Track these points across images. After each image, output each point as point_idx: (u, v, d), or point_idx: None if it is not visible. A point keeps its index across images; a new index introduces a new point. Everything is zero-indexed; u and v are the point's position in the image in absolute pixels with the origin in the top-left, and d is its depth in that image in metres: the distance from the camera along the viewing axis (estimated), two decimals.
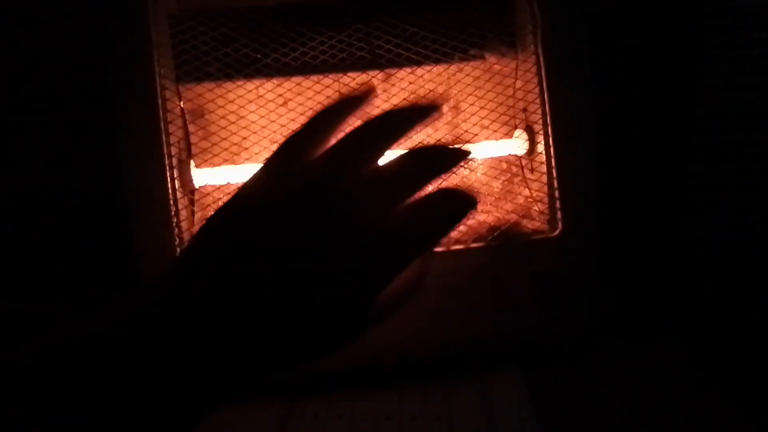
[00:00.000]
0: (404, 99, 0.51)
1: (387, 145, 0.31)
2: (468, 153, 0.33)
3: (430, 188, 0.31)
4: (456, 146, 0.33)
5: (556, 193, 0.48)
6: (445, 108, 0.36)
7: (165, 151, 0.44)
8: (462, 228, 0.49)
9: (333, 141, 0.32)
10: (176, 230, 0.44)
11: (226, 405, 0.27)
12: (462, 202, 0.31)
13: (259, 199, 0.29)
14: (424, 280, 0.33)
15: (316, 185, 0.28)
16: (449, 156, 0.32)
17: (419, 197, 0.30)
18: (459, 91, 0.52)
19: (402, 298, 0.32)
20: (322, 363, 0.47)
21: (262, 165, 0.30)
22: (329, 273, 0.27)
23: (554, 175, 0.48)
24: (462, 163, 0.33)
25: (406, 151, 0.31)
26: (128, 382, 0.24)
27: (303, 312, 0.27)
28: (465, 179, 0.50)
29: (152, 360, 0.25)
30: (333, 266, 0.27)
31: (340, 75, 0.50)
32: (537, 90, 0.49)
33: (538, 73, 0.49)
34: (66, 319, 0.26)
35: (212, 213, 0.29)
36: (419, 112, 0.33)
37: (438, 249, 0.46)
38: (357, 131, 0.31)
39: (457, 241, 0.47)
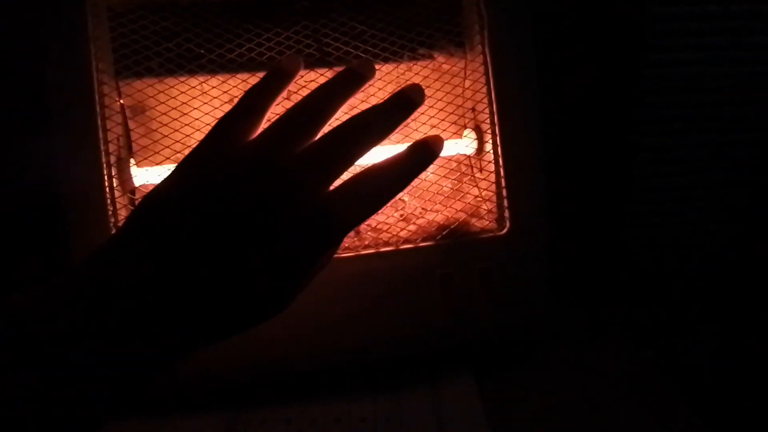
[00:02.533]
0: (353, 97, 0.50)
1: (319, 123, 0.31)
2: (412, 105, 0.34)
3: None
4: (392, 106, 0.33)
5: (504, 192, 0.48)
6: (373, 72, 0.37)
7: (102, 148, 0.43)
8: (411, 227, 0.49)
9: (264, 122, 0.32)
10: (113, 231, 0.42)
11: (162, 380, 0.27)
12: (391, 179, 0.31)
13: (188, 182, 0.29)
14: (332, 256, 0.34)
15: (246, 169, 0.29)
16: (380, 124, 0.33)
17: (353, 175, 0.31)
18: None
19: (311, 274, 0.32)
20: (270, 366, 0.46)
21: (194, 147, 0.30)
22: (258, 252, 0.27)
23: (502, 174, 0.49)
24: (397, 127, 0.33)
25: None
26: (56, 357, 0.24)
27: (232, 292, 0.27)
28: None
29: (78, 335, 0.24)
30: (262, 246, 0.27)
31: None
32: (485, 89, 0.50)
33: (486, 73, 0.49)
34: None
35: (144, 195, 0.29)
36: (347, 82, 0.34)
37: (387, 248, 0.46)
38: (288, 114, 0.32)
39: (407, 240, 0.47)
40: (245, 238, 0.27)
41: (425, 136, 0.35)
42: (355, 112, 0.49)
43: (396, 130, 0.34)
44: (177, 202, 0.28)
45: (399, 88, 0.35)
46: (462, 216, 0.49)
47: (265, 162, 0.29)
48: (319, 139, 0.31)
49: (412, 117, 0.51)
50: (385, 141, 0.51)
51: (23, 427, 0.23)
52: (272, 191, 0.28)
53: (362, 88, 0.36)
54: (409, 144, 0.34)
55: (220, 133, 0.31)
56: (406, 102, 0.34)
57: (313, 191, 0.29)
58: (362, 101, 0.51)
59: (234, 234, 0.27)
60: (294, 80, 0.35)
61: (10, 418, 0.22)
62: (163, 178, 0.30)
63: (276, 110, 0.48)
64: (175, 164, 0.46)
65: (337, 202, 0.29)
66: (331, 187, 0.30)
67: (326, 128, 0.33)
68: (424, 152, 0.33)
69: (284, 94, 0.50)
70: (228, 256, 0.27)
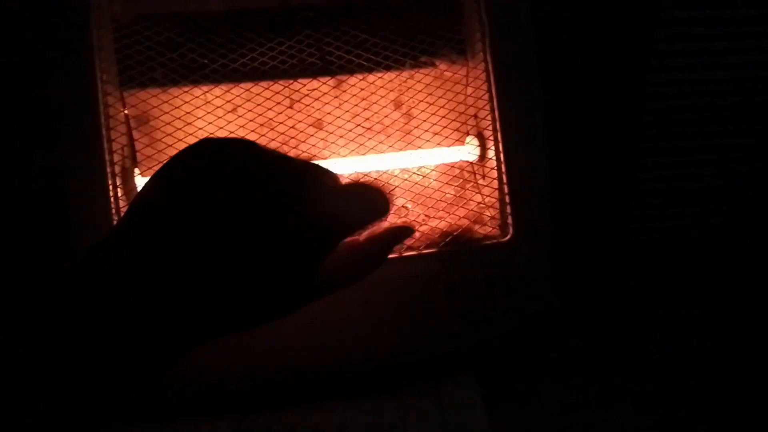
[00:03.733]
0: (356, 105, 0.51)
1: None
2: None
3: None
4: None
5: (507, 198, 0.48)
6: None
7: (107, 158, 0.43)
8: (414, 234, 0.49)
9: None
10: None
11: (167, 372, 0.27)
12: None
13: (200, 164, 0.28)
14: (383, 259, 0.33)
15: (262, 156, 0.28)
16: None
17: None
18: (410, 98, 0.52)
19: (355, 273, 0.32)
20: (274, 373, 0.46)
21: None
22: (267, 239, 0.27)
23: (504, 180, 0.49)
24: None
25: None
26: (59, 350, 0.23)
27: (241, 278, 0.26)
28: (418, 185, 0.50)
29: (81, 330, 0.24)
30: (272, 232, 0.27)
31: (291, 81, 0.49)
32: (487, 96, 0.50)
33: (488, 80, 0.49)
34: None
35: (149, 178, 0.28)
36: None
37: (390, 255, 0.46)
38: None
39: (409, 248, 0.47)
40: (248, 225, 0.27)
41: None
42: (358, 118, 0.50)
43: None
44: (183, 187, 0.27)
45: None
46: (465, 223, 0.49)
47: (276, 155, 0.29)
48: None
49: (415, 124, 0.52)
50: (387, 148, 0.51)
51: (27, 410, 0.23)
52: (283, 181, 0.28)
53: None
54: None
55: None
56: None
57: (325, 186, 0.29)
58: (365, 109, 0.51)
59: (238, 220, 0.26)
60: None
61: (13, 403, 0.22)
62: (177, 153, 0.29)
63: (279, 119, 0.49)
64: None
65: (350, 199, 0.30)
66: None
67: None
68: None
69: (288, 102, 0.50)
70: (232, 243, 0.26)
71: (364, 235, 0.33)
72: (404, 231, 0.35)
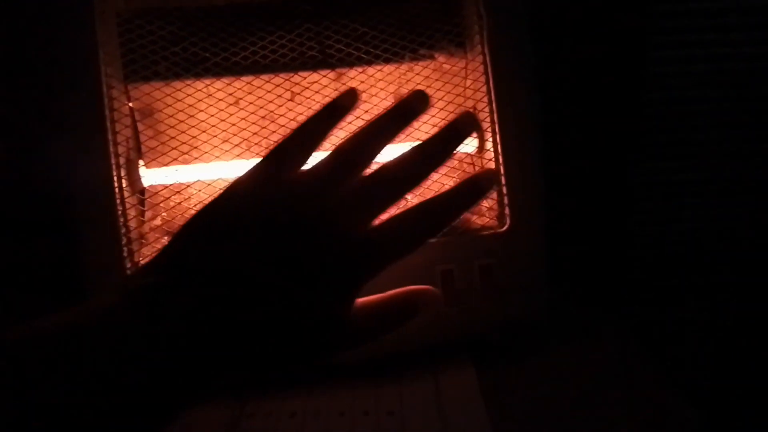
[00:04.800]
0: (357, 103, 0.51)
1: (367, 162, 0.32)
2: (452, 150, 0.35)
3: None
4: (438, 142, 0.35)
5: (504, 189, 0.49)
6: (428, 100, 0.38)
7: (111, 150, 0.44)
8: None
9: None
10: (123, 230, 0.44)
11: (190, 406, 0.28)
12: (437, 218, 0.32)
13: (241, 207, 0.29)
14: (418, 310, 0.34)
15: (297, 202, 0.29)
16: (429, 161, 0.34)
17: (401, 211, 0.31)
18: (410, 90, 0.53)
19: (390, 323, 0.33)
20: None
21: (250, 169, 0.31)
22: (301, 283, 0.28)
23: (502, 171, 0.49)
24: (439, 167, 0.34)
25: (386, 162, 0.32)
26: (98, 384, 0.24)
27: (273, 321, 0.28)
28: None
29: (124, 361, 0.25)
30: (308, 277, 0.28)
31: (291, 74, 0.50)
32: (485, 89, 0.50)
33: (486, 72, 0.50)
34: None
35: (194, 212, 0.30)
36: (398, 118, 0.35)
37: None
38: (338, 150, 0.32)
39: None
40: (293, 269, 0.28)
41: (477, 172, 0.36)
42: (357, 110, 0.51)
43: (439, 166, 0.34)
44: (227, 227, 0.29)
45: (445, 126, 0.36)
46: None
47: (316, 197, 0.30)
48: (367, 177, 0.31)
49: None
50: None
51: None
52: (321, 225, 0.29)
53: (412, 124, 0.36)
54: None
55: (273, 163, 0.31)
56: (452, 135, 0.36)
57: (359, 227, 0.30)
58: (364, 101, 0.52)
59: (282, 264, 0.28)
60: (350, 113, 0.35)
61: None
62: (212, 199, 0.30)
63: (280, 111, 0.50)
64: (183, 165, 0.47)
65: (380, 238, 0.30)
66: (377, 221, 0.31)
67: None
68: (474, 189, 0.34)
69: (289, 95, 0.51)
70: (275, 286, 0.27)
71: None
72: (431, 299, 0.35)
